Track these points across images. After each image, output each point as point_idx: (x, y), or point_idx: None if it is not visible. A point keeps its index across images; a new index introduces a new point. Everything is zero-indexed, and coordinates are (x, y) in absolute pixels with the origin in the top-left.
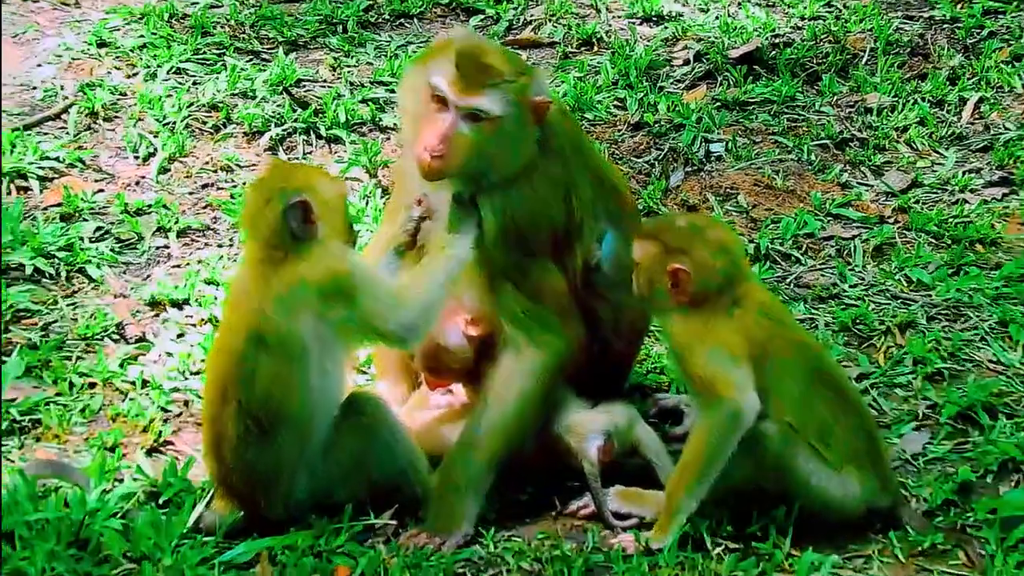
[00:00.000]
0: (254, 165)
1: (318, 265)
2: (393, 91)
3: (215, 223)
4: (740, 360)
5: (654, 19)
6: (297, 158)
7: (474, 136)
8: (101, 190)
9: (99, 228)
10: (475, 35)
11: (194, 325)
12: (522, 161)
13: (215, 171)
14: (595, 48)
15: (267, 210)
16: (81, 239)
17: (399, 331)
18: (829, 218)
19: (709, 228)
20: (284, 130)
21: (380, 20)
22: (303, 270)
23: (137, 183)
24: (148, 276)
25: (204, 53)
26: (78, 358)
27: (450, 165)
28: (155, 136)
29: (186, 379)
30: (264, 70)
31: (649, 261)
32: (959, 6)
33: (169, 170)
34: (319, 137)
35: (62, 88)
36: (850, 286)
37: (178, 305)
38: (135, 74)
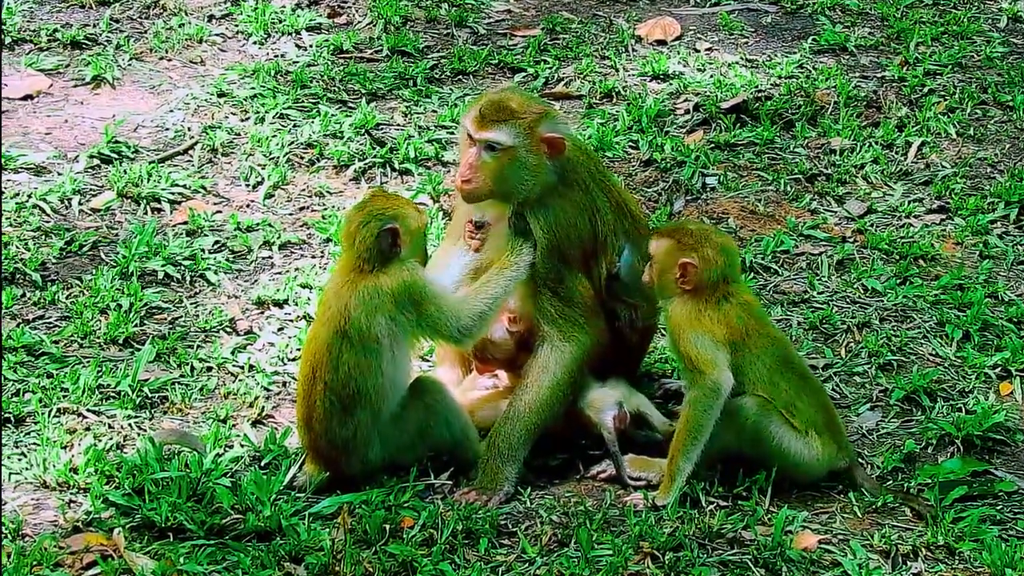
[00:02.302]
0: (341, 192)
1: (396, 278)
2: (453, 133)
3: (310, 239)
4: (720, 345)
5: (661, 77)
6: (376, 186)
7: (494, 163)
8: (219, 211)
9: (217, 242)
10: (512, 89)
11: (292, 321)
12: (538, 185)
13: (310, 197)
14: (614, 100)
15: (364, 231)
16: (202, 250)
17: (456, 335)
18: (801, 238)
19: (714, 234)
20: (365, 164)
21: (443, 76)
22: (383, 281)
23: (248, 206)
24: (255, 281)
25: (302, 102)
26: (198, 347)
27: (479, 188)
28: (263, 168)
29: (284, 365)
30: (350, 116)
31: (664, 255)
32: (905, 69)
33: (273, 195)
34: (393, 170)
35: (189, 129)
36: (818, 293)
37: (279, 304)
38: (247, 118)
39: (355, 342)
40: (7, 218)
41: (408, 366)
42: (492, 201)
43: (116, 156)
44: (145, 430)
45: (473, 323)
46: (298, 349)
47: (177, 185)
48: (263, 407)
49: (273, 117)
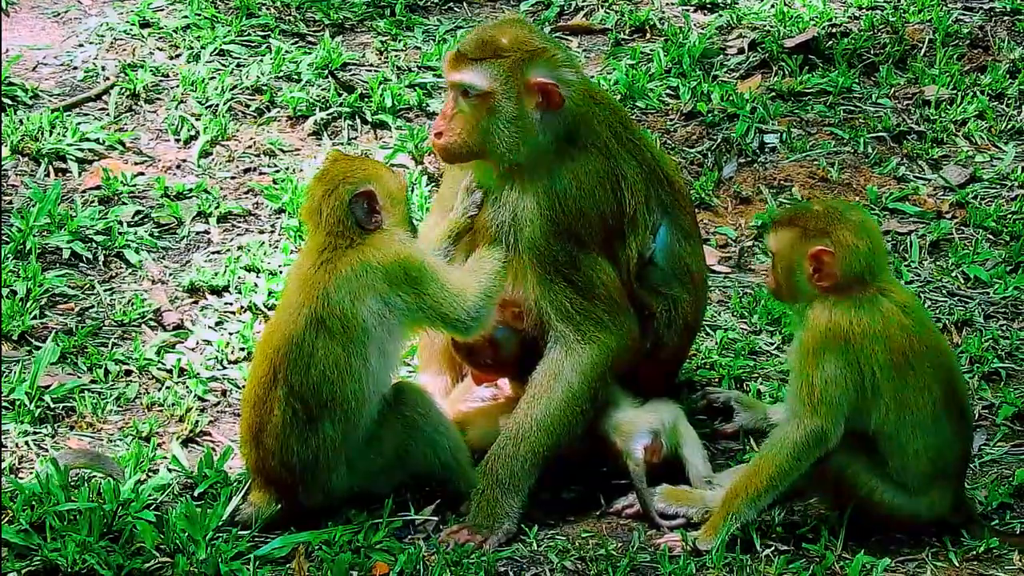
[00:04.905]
0: (297, 150)
1: (386, 251)
2: (441, 76)
3: (256, 208)
4: (851, 390)
5: (708, 6)
6: (342, 143)
7: (470, 112)
8: (141, 173)
9: (138, 212)
10: (512, 21)
11: (233, 313)
12: (525, 144)
13: (258, 155)
14: (648, 35)
15: (332, 201)
16: (120, 223)
17: (466, 319)
18: (885, 212)
19: (848, 210)
20: (329, 115)
21: (429, 3)
22: (370, 256)
23: (178, 167)
24: (187, 262)
25: (248, 35)
26: (114, 345)
27: (454, 144)
28: (197, 119)
29: (224, 368)
30: (309, 53)
31: (787, 249)
32: None
33: (211, 154)
34: (364, 122)
35: (103, 69)
36: (906, 282)
37: (217, 292)
38: (178, 55)
39: (336, 332)
40: None
41: (394, 367)
42: (477, 163)
43: (10, 102)
44: (47, 450)
45: (482, 305)
46: (242, 348)
47: (88, 140)
48: (196, 422)
49: (211, 54)
